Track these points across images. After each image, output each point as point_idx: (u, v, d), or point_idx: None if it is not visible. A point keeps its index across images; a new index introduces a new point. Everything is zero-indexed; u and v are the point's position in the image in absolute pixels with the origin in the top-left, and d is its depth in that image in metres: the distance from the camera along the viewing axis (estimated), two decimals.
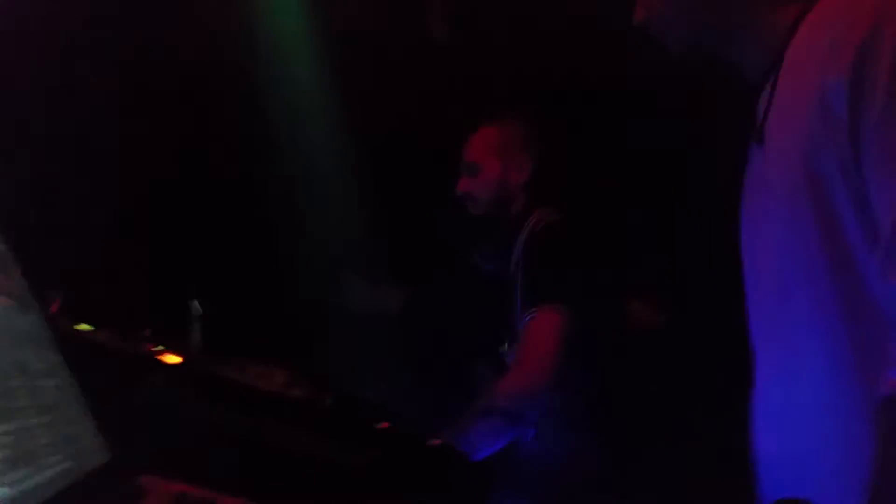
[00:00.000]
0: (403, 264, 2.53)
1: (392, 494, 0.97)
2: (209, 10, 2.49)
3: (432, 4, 2.64)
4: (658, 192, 2.42)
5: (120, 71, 2.48)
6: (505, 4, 2.49)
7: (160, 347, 1.00)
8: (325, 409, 1.02)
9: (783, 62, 1.04)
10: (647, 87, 2.18)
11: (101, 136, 2.47)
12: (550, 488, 1.69)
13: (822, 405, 0.97)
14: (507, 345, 1.86)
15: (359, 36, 2.61)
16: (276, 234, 2.69)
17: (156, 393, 0.85)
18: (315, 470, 0.92)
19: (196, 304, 1.39)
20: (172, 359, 0.92)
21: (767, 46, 1.06)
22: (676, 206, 2.34)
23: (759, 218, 1.10)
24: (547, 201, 1.86)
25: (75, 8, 2.32)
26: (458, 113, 2.22)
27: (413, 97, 2.67)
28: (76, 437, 0.74)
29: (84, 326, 0.86)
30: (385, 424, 1.03)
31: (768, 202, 1.06)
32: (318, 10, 2.61)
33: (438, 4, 2.64)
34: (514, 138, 1.91)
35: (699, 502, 1.66)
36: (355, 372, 2.21)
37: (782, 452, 1.05)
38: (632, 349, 1.91)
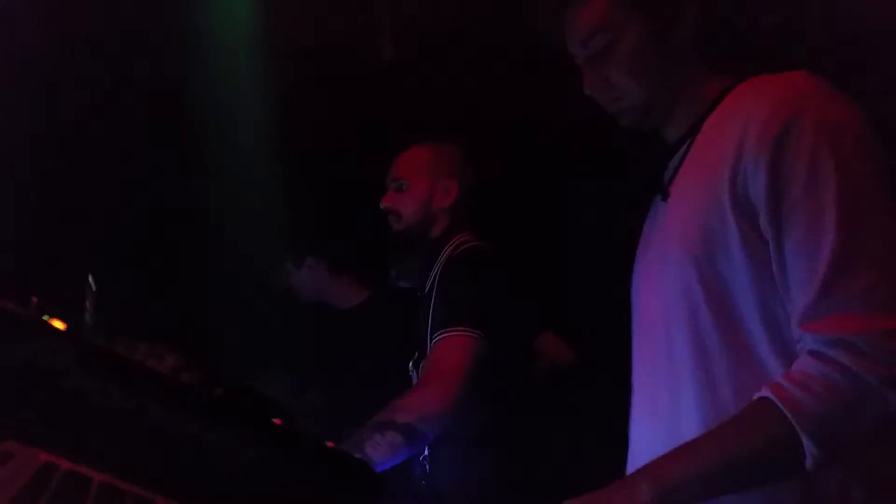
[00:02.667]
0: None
1: (276, 493, 0.94)
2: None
3: (381, 25, 2.65)
4: (570, 234, 2.49)
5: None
6: (451, 31, 2.53)
7: (45, 313, 0.93)
8: (214, 397, 0.98)
9: (701, 129, 1.10)
10: (580, 131, 2.24)
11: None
12: None
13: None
14: (413, 364, 1.85)
15: (304, 52, 2.61)
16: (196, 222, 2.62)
17: (33, 357, 0.80)
18: (195, 457, 0.88)
19: (91, 279, 1.32)
20: (58, 324, 0.86)
21: (692, 113, 1.13)
22: (585, 248, 2.41)
23: (652, 266, 1.15)
24: (467, 227, 1.87)
25: None
26: (395, 133, 2.23)
27: (351, 114, 2.67)
28: None
29: None
30: (278, 421, 1.00)
31: (664, 253, 1.10)
32: (264, 26, 2.59)
33: (388, 24, 2.66)
34: (445, 161, 1.92)
35: None
36: (258, 369, 2.15)
37: None
38: (539, 383, 1.93)
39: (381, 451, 1.44)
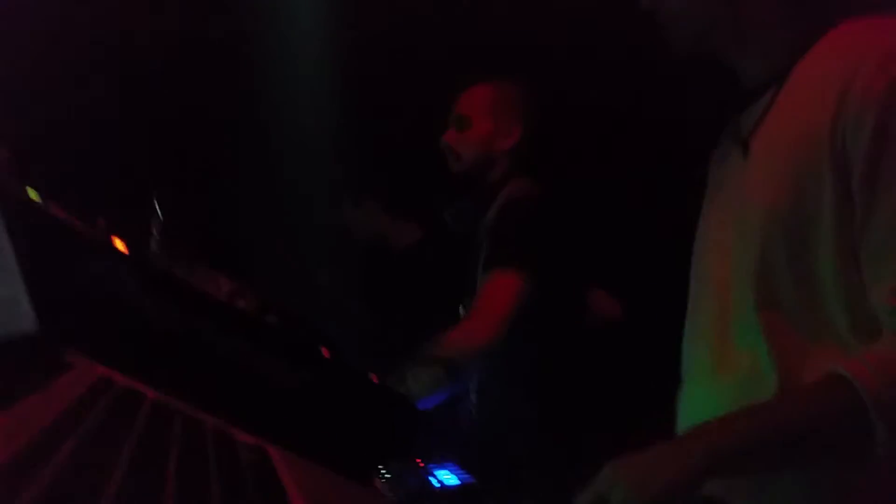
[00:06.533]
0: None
1: (320, 421, 0.97)
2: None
3: None
4: (634, 185, 2.43)
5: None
6: None
7: (111, 234, 0.97)
8: (265, 324, 1.01)
9: (787, 81, 1.03)
10: (646, 76, 2.16)
11: None
12: (481, 454, 1.70)
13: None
14: (463, 305, 1.86)
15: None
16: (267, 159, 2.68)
17: (97, 274, 0.83)
18: (244, 381, 0.91)
19: (157, 205, 1.37)
20: (120, 246, 0.90)
21: (773, 59, 1.04)
22: (648, 201, 2.35)
23: (725, 224, 1.09)
24: (526, 172, 1.84)
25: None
26: (458, 70, 2.20)
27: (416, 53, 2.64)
28: (5, 301, 0.72)
29: (33, 193, 0.83)
30: (326, 351, 1.03)
31: (743, 211, 1.04)
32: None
33: None
34: (509, 102, 1.88)
35: None
36: (314, 300, 2.21)
37: None
38: (589, 336, 1.92)
39: (422, 385, 1.47)
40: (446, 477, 1.18)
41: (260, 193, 2.69)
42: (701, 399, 1.09)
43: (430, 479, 1.17)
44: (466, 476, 1.18)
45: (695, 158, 1.24)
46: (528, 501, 1.41)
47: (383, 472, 1.06)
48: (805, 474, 0.94)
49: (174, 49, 2.57)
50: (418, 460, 1.20)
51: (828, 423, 0.89)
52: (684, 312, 1.16)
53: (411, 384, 1.45)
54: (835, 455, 0.91)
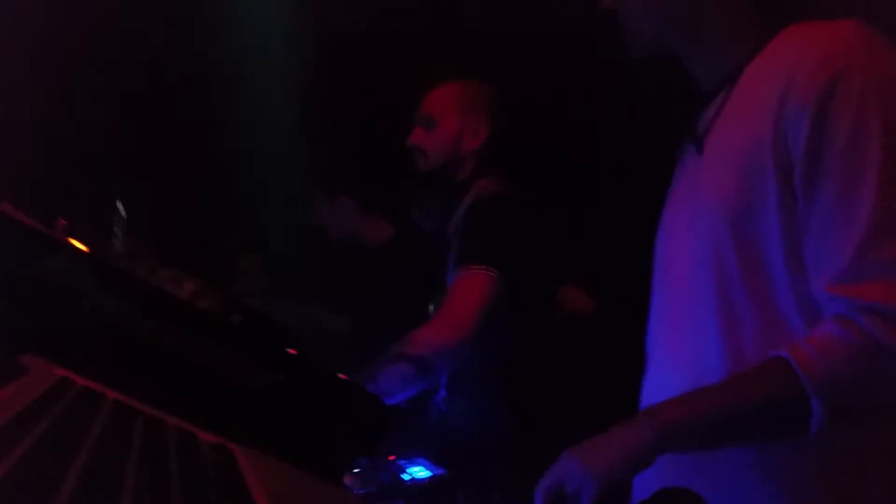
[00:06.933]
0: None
1: (288, 420, 0.96)
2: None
3: None
4: (594, 183, 2.46)
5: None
6: None
7: (71, 235, 0.96)
8: (230, 324, 1.00)
9: (739, 78, 1.06)
10: (608, 76, 2.19)
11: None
12: (452, 450, 1.70)
13: None
14: (434, 304, 1.86)
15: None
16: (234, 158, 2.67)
17: (54, 274, 0.82)
18: (209, 383, 0.90)
19: (120, 205, 1.35)
20: (80, 246, 0.88)
21: (727, 59, 1.08)
22: (608, 197, 2.38)
23: (680, 219, 1.12)
24: (494, 170, 1.85)
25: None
26: (428, 70, 2.20)
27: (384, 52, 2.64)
28: None
29: None
30: (293, 350, 1.02)
31: (696, 207, 1.08)
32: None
33: None
34: (477, 101, 1.89)
35: None
36: (279, 298, 2.19)
37: None
38: (559, 332, 1.94)
39: (392, 382, 1.47)
40: (417, 472, 1.18)
41: (228, 192, 2.67)
42: (658, 384, 1.13)
43: (402, 474, 1.17)
44: (437, 469, 1.19)
45: (658, 156, 1.26)
46: (497, 494, 1.42)
47: (354, 468, 1.06)
48: (757, 458, 0.98)
49: (143, 49, 2.54)
50: (389, 456, 1.20)
51: (769, 402, 0.94)
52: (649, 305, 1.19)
53: (381, 382, 1.45)
54: (778, 432, 0.95)
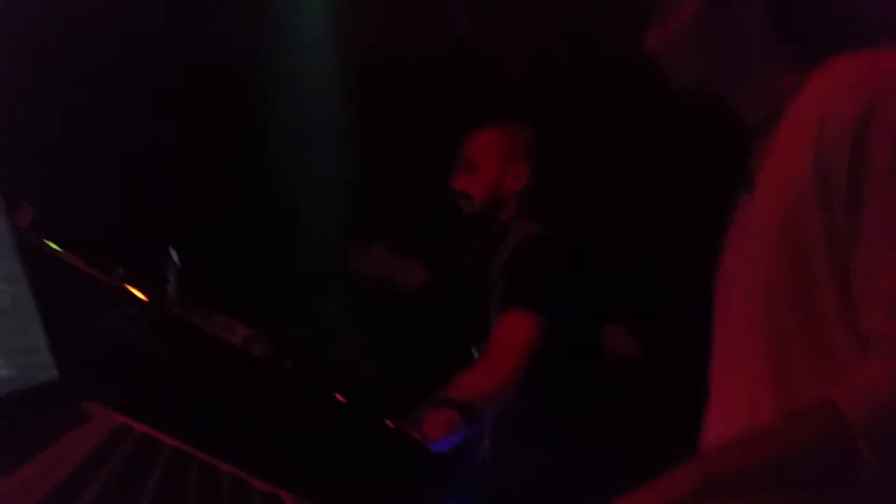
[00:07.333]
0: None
1: (336, 467, 0.97)
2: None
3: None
4: (644, 223, 2.44)
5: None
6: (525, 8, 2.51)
7: (128, 283, 0.99)
8: (281, 370, 1.02)
9: (785, 115, 1.06)
10: (653, 116, 2.19)
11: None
12: (495, 496, 1.68)
13: None
14: (476, 347, 1.86)
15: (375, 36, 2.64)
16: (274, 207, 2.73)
17: (115, 323, 0.85)
18: (260, 428, 0.92)
19: (174, 253, 1.39)
20: (138, 294, 0.91)
21: (771, 95, 1.07)
22: (660, 238, 2.36)
23: (735, 262, 1.12)
24: (534, 213, 1.86)
25: None
26: (466, 112, 2.24)
27: (422, 94, 2.69)
28: (25, 350, 0.73)
29: (54, 245, 0.85)
30: (341, 397, 1.03)
31: (747, 249, 1.07)
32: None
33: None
34: (517, 145, 1.91)
35: None
36: (327, 345, 2.21)
37: None
38: (605, 374, 1.91)
39: (438, 428, 1.46)
40: None
41: (273, 239, 2.72)
42: (717, 424, 1.12)
43: None
44: None
45: (708, 195, 1.25)
46: None
47: None
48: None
49: (197, 108, 2.63)
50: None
51: (817, 450, 0.90)
52: (701, 347, 1.17)
53: (427, 430, 1.44)
54: (826, 481, 0.92)
